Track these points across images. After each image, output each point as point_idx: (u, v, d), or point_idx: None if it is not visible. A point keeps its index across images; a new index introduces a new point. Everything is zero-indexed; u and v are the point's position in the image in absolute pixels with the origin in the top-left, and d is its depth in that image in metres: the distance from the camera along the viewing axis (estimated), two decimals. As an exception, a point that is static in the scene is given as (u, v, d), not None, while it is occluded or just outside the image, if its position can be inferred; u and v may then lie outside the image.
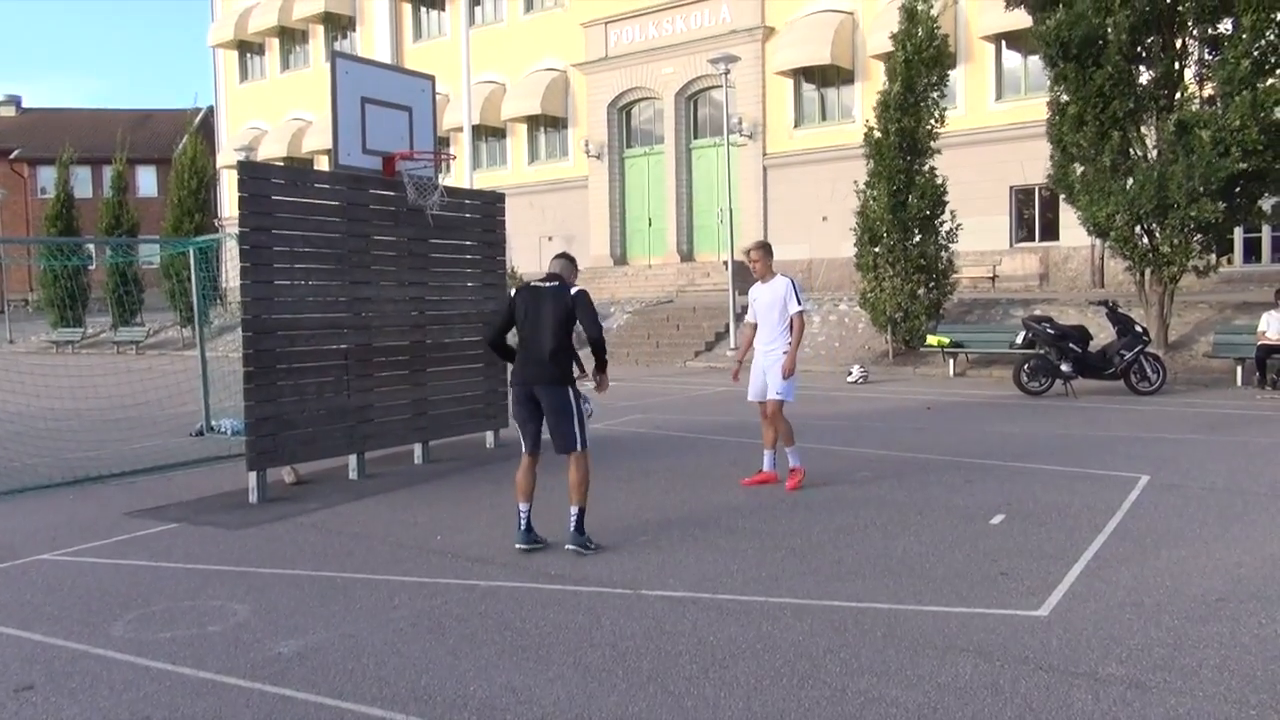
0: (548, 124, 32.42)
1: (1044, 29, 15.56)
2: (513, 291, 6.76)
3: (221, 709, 4.06)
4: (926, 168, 17.93)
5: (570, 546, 6.28)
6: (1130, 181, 15.22)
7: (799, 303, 8.15)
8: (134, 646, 4.78)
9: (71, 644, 4.84)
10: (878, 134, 17.99)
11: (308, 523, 7.38)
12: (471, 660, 4.51)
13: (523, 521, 6.42)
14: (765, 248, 8.39)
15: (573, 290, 6.48)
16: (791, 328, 8.22)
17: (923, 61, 17.69)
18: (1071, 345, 13.95)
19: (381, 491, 8.50)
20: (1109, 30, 15.02)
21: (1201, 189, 14.38)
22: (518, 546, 6.37)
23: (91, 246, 36.69)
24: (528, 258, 29.61)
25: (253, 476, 8.16)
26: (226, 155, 38.70)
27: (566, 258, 6.82)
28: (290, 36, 38.58)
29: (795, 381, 8.39)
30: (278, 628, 5.00)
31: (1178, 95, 15.55)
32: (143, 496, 8.47)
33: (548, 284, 6.54)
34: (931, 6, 17.86)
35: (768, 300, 8.30)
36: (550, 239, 31.52)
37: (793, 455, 8.26)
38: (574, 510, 6.33)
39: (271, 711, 4.02)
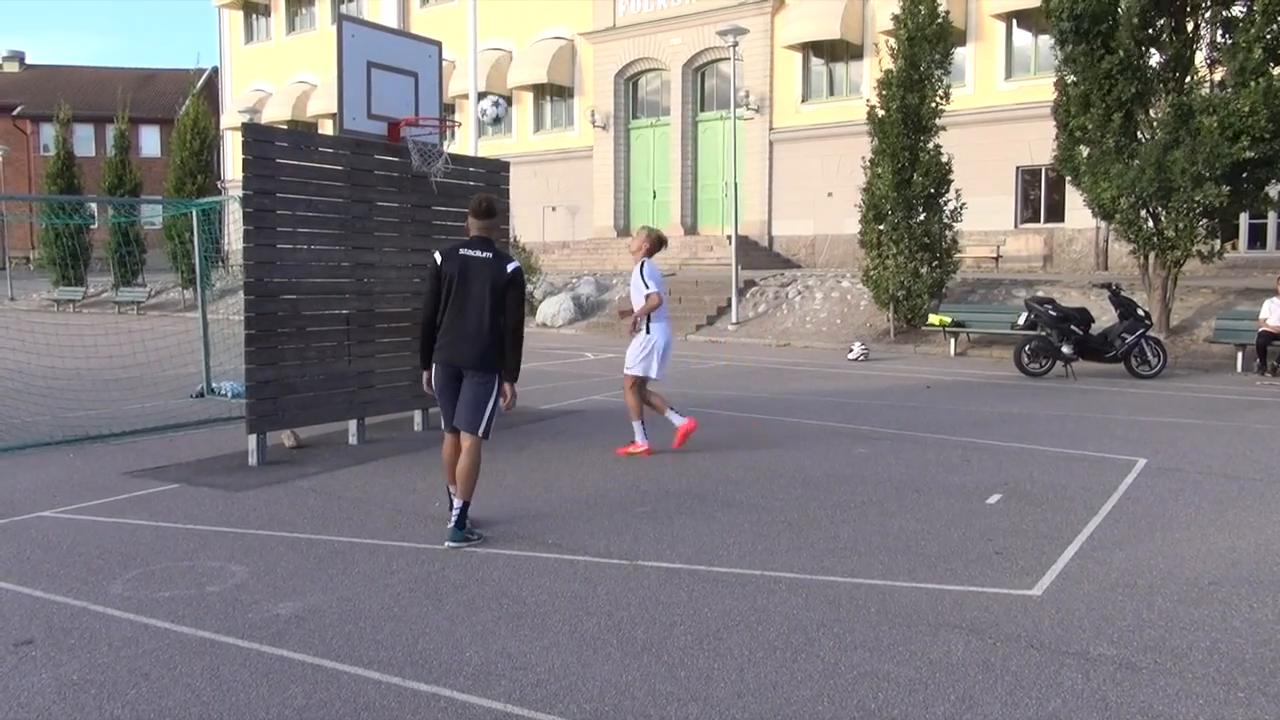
0: (554, 93, 32.26)
1: (1055, 3, 15.39)
2: (437, 258, 5.94)
3: (219, 668, 4.09)
4: (931, 145, 17.85)
5: (450, 544, 5.73)
6: (1135, 162, 15.13)
7: (645, 285, 8.59)
8: (133, 605, 4.81)
9: (71, 600, 4.88)
10: (880, 112, 17.90)
11: (307, 486, 7.41)
12: (468, 626, 4.54)
13: (456, 507, 5.86)
14: (640, 231, 8.87)
15: (509, 267, 5.90)
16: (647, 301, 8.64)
17: (925, 39, 17.57)
18: (1073, 327, 13.94)
19: (381, 457, 8.53)
20: (1119, 10, 14.86)
21: (1206, 173, 14.32)
22: (449, 545, 5.76)
23: (94, 205, 36.60)
24: (531, 227, 29.55)
25: (253, 439, 8.18)
26: (230, 117, 38.56)
27: (491, 213, 6.02)
28: (296, -2, 38.34)
29: (649, 359, 8.68)
30: (276, 589, 5.04)
31: (1187, 79, 15.45)
32: (142, 457, 8.50)
33: (479, 253, 5.89)
34: None
35: (634, 283, 8.80)
36: (554, 209, 31.47)
37: (638, 429, 8.57)
38: (457, 504, 5.81)
39: (269, 671, 4.06)
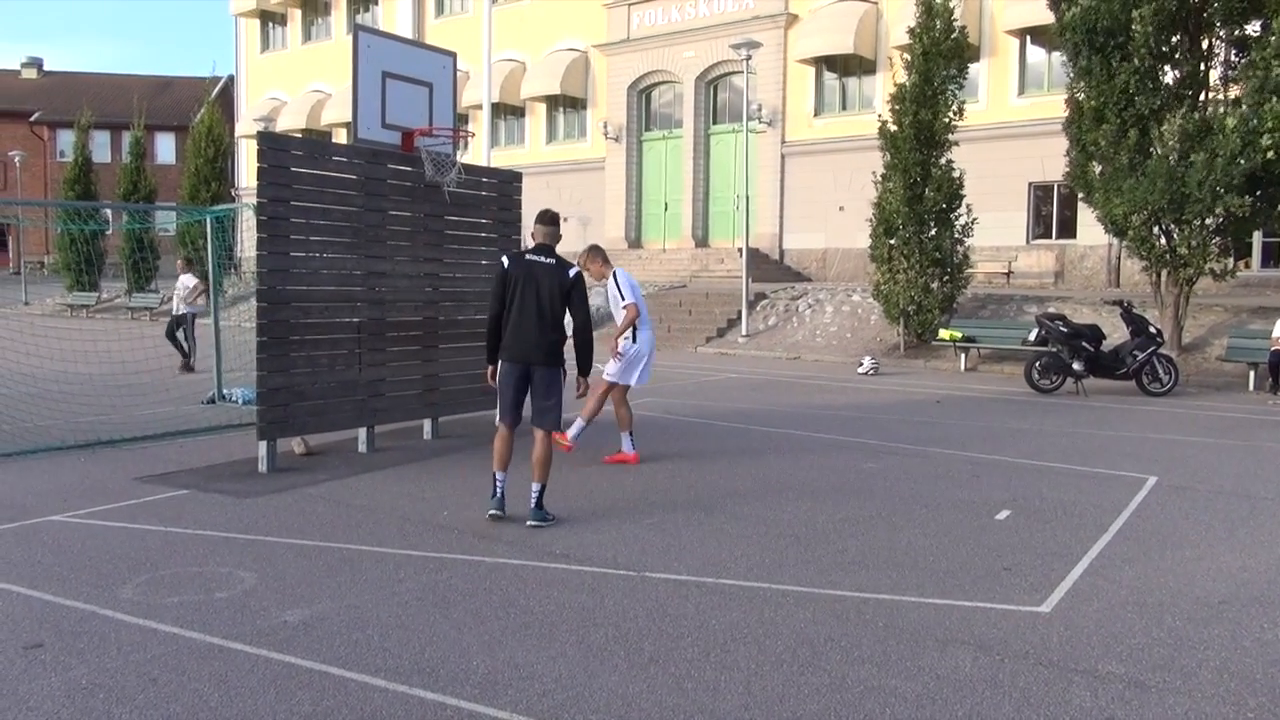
0: (567, 104, 32.36)
1: (1069, 17, 15.36)
2: (505, 262, 6.59)
3: (227, 673, 4.10)
4: (944, 161, 17.84)
5: (531, 523, 6.42)
6: (1144, 177, 15.07)
7: (622, 296, 8.59)
8: (142, 609, 4.83)
9: (80, 604, 4.90)
10: (892, 127, 17.90)
11: (316, 494, 7.43)
12: (475, 635, 4.55)
13: (499, 489, 6.57)
14: (589, 252, 8.78)
15: (571, 271, 6.52)
16: (625, 318, 8.66)
17: (940, 54, 17.58)
18: (1084, 344, 13.90)
19: (390, 465, 8.55)
20: (1136, 24, 14.81)
21: (1222, 188, 14.23)
22: (491, 513, 6.53)
23: (109, 211, 36.81)
24: (542, 237, 29.55)
25: (263, 446, 8.21)
26: (245, 125, 38.73)
27: (552, 221, 6.68)
28: (312, 7, 38.53)
29: (631, 368, 8.72)
30: (284, 596, 5.05)
31: (1202, 96, 15.41)
32: (153, 462, 8.53)
33: (543, 258, 6.51)
34: None
35: (611, 296, 8.77)
36: (566, 219, 31.48)
37: (625, 441, 8.59)
38: (536, 488, 6.49)
39: (276, 678, 4.07)
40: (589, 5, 30.69)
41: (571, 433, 8.61)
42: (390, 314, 9.28)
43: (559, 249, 6.70)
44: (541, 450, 6.49)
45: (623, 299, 8.57)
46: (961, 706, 3.86)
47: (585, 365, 6.63)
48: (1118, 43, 15.09)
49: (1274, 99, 14.02)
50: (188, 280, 16.38)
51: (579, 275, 6.54)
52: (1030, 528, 6.55)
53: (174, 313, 16.55)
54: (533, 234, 6.70)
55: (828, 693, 3.97)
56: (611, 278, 8.68)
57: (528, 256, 6.56)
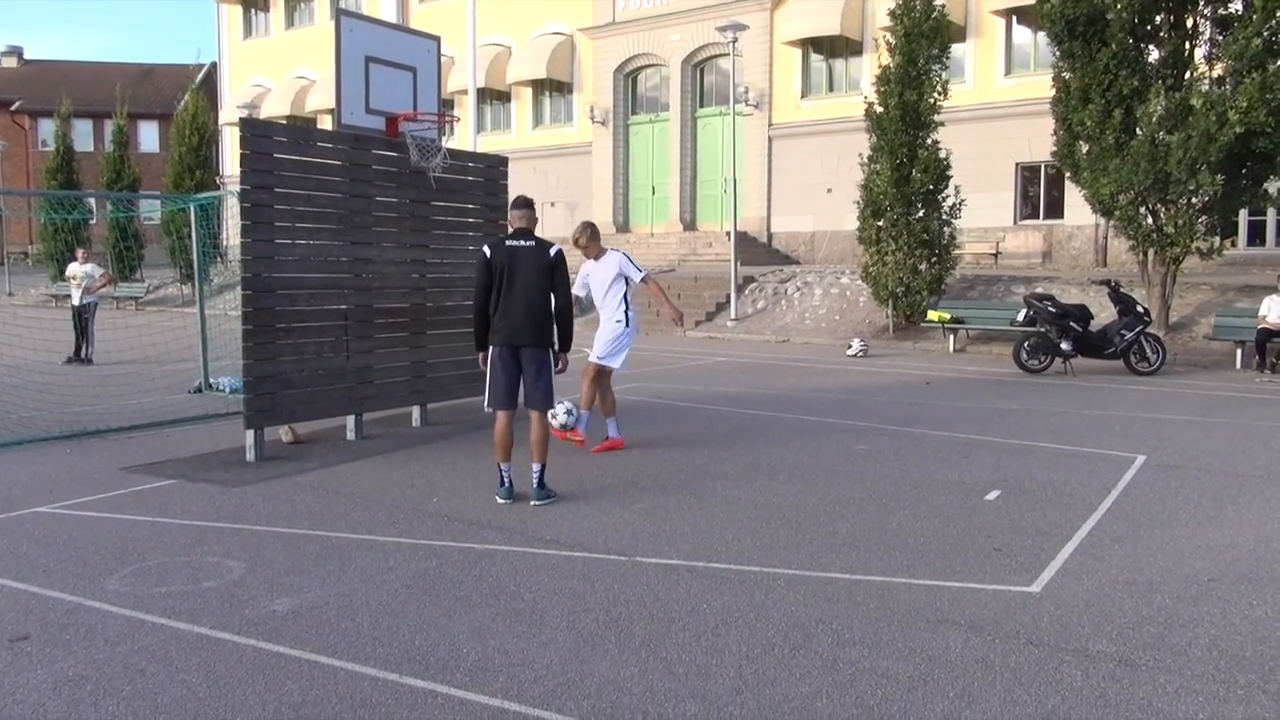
0: (553, 89, 32.21)
1: (1048, 7, 15.42)
2: (486, 251, 6.67)
3: (215, 663, 4.08)
4: (930, 141, 17.83)
5: (535, 503, 6.56)
6: (1130, 157, 15.10)
7: (638, 270, 8.54)
8: (129, 600, 4.80)
9: (67, 596, 4.87)
10: (878, 108, 17.89)
11: (304, 482, 7.39)
12: (465, 622, 4.53)
13: (507, 479, 6.70)
14: (589, 233, 8.49)
15: (551, 250, 6.66)
16: (652, 289, 8.73)
17: (922, 35, 17.57)
18: (1072, 324, 13.93)
19: (379, 453, 8.51)
20: (1116, 6, 14.83)
21: (1200, 165, 14.25)
22: (501, 501, 6.63)
23: (92, 201, 36.54)
24: (530, 223, 29.45)
25: (250, 435, 8.16)
26: (229, 112, 38.43)
27: (527, 205, 6.79)
28: (294, -7, 38.25)
29: (621, 350, 8.55)
30: (273, 585, 5.02)
31: (1186, 75, 15.42)
32: (140, 452, 8.48)
33: (523, 242, 6.63)
34: None
35: (601, 277, 8.52)
36: (553, 205, 31.42)
37: (612, 426, 8.56)
38: (536, 468, 6.63)
39: (265, 667, 4.04)
40: (574, -12, 30.52)
41: (581, 427, 8.33)
42: (377, 301, 9.23)
43: (544, 234, 6.75)
44: (538, 430, 6.64)
45: (639, 272, 8.51)
46: (953, 687, 3.86)
47: (566, 342, 6.84)
48: (1097, 29, 15.11)
49: (1253, 73, 14.04)
50: (93, 270, 16.40)
51: (560, 254, 6.66)
52: (1020, 508, 6.56)
53: (75, 303, 16.34)
54: (510, 220, 6.86)
55: (819, 675, 3.97)
56: (619, 254, 8.52)
57: (508, 243, 6.66)
